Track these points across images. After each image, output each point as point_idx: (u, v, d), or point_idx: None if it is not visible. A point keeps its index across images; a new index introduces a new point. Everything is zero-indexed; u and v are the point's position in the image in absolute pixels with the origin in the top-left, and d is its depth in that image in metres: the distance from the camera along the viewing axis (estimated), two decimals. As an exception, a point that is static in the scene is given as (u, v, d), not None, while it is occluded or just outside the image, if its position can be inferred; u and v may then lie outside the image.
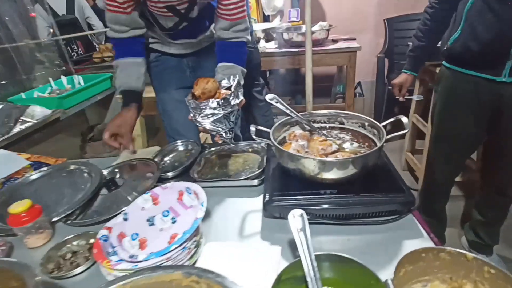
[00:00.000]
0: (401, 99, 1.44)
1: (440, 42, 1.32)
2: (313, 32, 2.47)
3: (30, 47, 2.02)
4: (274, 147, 0.70)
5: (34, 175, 0.87)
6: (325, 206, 0.64)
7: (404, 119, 0.68)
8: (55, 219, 0.71)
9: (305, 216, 0.50)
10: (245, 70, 1.03)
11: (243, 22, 1.00)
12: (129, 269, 0.49)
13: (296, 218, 0.50)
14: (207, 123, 0.79)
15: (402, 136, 1.32)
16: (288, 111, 0.83)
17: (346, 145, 0.75)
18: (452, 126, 1.20)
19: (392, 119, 0.72)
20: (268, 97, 0.85)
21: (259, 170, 0.83)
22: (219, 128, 0.81)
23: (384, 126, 0.70)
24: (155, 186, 0.71)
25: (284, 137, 0.81)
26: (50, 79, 1.82)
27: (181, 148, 1.03)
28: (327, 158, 0.67)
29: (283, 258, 0.58)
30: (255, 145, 0.97)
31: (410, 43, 1.32)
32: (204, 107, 0.77)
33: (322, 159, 0.63)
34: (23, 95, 1.59)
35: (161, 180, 0.84)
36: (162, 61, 1.20)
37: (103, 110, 2.21)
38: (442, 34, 1.23)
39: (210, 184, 0.82)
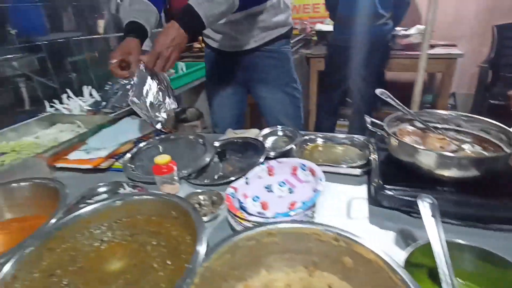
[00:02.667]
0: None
1: None
2: (408, 36, 2.37)
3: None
4: (390, 138, 0.71)
5: (160, 139, 1.02)
6: (441, 202, 0.63)
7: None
8: (180, 176, 0.83)
9: (436, 204, 0.51)
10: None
11: None
12: (260, 222, 0.56)
13: (425, 204, 0.51)
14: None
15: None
16: (400, 107, 0.83)
17: (467, 147, 0.73)
18: None
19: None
20: (379, 91, 0.87)
21: (362, 162, 0.85)
22: None
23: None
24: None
25: (394, 131, 0.82)
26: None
27: (280, 133, 1.10)
28: (453, 154, 0.66)
29: (395, 244, 0.59)
30: (355, 139, 0.99)
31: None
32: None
33: (448, 154, 0.63)
34: (139, 74, 1.84)
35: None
36: (217, 59, 1.29)
37: (194, 95, 2.43)
38: None
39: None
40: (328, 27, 2.71)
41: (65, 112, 1.34)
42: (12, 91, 2.51)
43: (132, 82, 0.91)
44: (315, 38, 2.91)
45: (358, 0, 1.90)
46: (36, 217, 0.59)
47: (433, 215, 0.50)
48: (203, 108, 2.43)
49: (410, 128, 0.80)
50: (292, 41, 2.41)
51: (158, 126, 0.93)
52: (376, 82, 2.20)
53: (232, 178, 0.81)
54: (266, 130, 1.09)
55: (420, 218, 0.50)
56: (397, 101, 0.84)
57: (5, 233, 0.59)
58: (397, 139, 0.69)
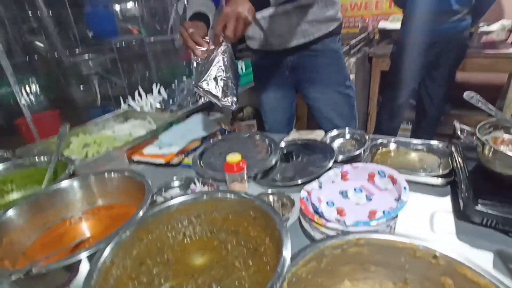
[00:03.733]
0: None
1: None
2: (489, 32, 2.13)
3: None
4: (484, 146, 0.64)
5: (227, 137, 1.04)
6: (550, 224, 0.55)
7: None
8: (250, 175, 0.84)
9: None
10: None
11: None
12: (340, 229, 0.53)
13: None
14: None
15: None
16: (493, 113, 0.74)
17: None
18: None
19: None
20: (467, 94, 0.78)
21: (444, 171, 0.78)
22: None
23: None
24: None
25: (487, 139, 0.73)
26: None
27: (347, 136, 1.05)
28: None
29: (495, 268, 0.53)
30: (433, 145, 0.91)
31: None
32: None
33: None
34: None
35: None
36: (263, 61, 1.25)
37: (252, 95, 2.46)
38: None
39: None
40: (392, 24, 2.55)
41: (138, 108, 1.44)
42: (91, 88, 2.78)
43: (198, 63, 0.90)
44: (377, 36, 2.77)
45: (429, -4, 1.76)
46: (123, 206, 0.64)
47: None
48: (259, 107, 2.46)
49: (506, 136, 0.71)
50: (353, 41, 2.32)
51: (234, 107, 0.91)
52: (448, 84, 2.02)
53: (299, 181, 0.80)
54: (333, 132, 1.05)
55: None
56: (490, 105, 0.75)
57: (96, 219, 0.64)
58: (493, 148, 0.62)
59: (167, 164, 0.95)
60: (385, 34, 2.63)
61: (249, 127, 2.30)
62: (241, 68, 2.11)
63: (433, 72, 1.98)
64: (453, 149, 0.83)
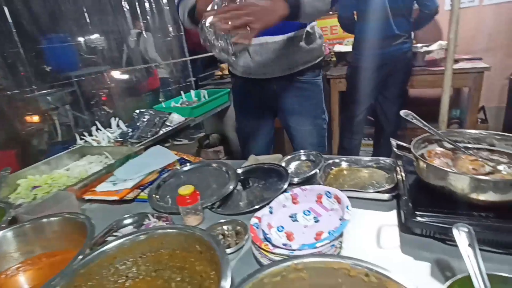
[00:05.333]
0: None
1: None
2: (430, 52, 2.33)
3: (167, 65, 2.44)
4: (419, 161, 0.68)
5: (184, 168, 1.03)
6: (479, 229, 0.59)
7: None
8: (204, 205, 0.83)
9: (473, 232, 0.47)
10: None
11: None
12: (285, 254, 0.54)
13: (461, 234, 0.48)
14: None
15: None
16: (426, 128, 0.80)
17: (502, 168, 0.68)
18: None
19: None
20: (403, 113, 0.84)
21: (389, 186, 0.82)
22: None
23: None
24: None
25: (422, 154, 0.78)
26: (182, 92, 2.15)
27: (303, 157, 1.08)
28: (492, 177, 0.62)
29: (432, 277, 0.55)
30: (380, 161, 0.96)
31: None
32: None
33: (482, 177, 0.59)
34: (163, 104, 1.92)
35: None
36: (245, 87, 1.27)
37: (218, 121, 2.48)
38: None
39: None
40: (347, 48, 2.72)
41: (94, 144, 1.41)
42: (47, 124, 2.68)
43: None
44: (334, 59, 2.93)
45: (373, 25, 1.91)
46: (66, 252, 0.61)
47: (470, 245, 0.46)
48: (227, 133, 2.48)
49: (439, 149, 0.76)
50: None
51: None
52: (399, 100, 2.15)
53: (257, 207, 0.80)
54: (288, 156, 1.08)
55: (457, 246, 0.47)
56: (423, 121, 0.81)
57: (35, 269, 0.60)
58: (426, 163, 0.66)
59: (122, 201, 0.92)
60: (341, 56, 2.79)
61: (216, 153, 2.30)
62: (204, 96, 2.14)
63: (384, 91, 2.11)
64: (397, 164, 0.88)
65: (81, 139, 1.45)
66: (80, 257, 0.50)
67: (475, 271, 0.44)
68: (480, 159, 0.72)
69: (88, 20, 2.45)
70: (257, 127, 1.40)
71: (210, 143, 2.37)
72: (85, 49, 2.96)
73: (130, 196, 0.92)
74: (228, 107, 2.24)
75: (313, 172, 0.94)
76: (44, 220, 0.62)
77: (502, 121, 2.56)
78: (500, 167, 0.69)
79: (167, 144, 1.88)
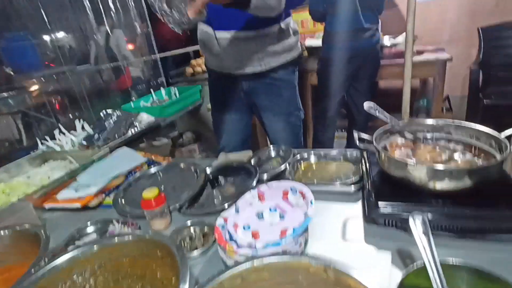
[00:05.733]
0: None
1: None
2: (395, 45, 2.39)
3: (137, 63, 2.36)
4: (380, 153, 0.70)
5: (152, 170, 1.00)
6: (437, 216, 0.61)
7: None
8: (172, 207, 0.81)
9: (427, 221, 0.49)
10: None
11: None
12: (250, 254, 0.53)
13: (417, 222, 0.49)
14: None
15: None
16: (388, 120, 0.82)
17: (457, 156, 0.71)
18: None
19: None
20: (366, 105, 0.86)
21: (355, 177, 0.83)
22: None
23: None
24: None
25: (385, 145, 0.80)
26: (152, 90, 2.09)
27: (273, 153, 1.08)
28: (446, 166, 0.64)
29: (393, 265, 0.57)
30: (348, 154, 0.97)
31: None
32: None
33: (437, 167, 0.61)
34: (132, 104, 1.85)
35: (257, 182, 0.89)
36: (219, 82, 1.27)
37: (191, 119, 2.44)
38: None
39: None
40: (318, 41, 2.74)
41: (57, 148, 1.34)
42: (7, 129, 2.53)
43: None
44: (305, 53, 2.95)
45: (343, 18, 1.93)
46: (21, 265, 0.57)
47: (424, 233, 0.48)
48: (201, 131, 2.44)
49: (400, 140, 0.78)
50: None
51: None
52: (369, 92, 2.20)
53: (226, 206, 0.80)
54: (258, 152, 1.07)
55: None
56: (385, 113, 0.83)
57: (-12, 286, 0.57)
58: (387, 155, 0.68)
59: (85, 208, 0.88)
60: (312, 50, 2.82)
61: (191, 152, 2.26)
62: (175, 94, 2.09)
63: (355, 83, 2.15)
64: (362, 156, 0.90)
65: (42, 143, 1.38)
66: (32, 271, 0.47)
67: (429, 258, 0.45)
68: (438, 148, 0.75)
69: (45, 18, 2.31)
70: (232, 123, 1.38)
71: (184, 142, 2.33)
72: (50, 48, 2.79)
73: (94, 202, 0.88)
74: (201, 105, 2.20)
75: (282, 167, 0.95)
76: (-7, 234, 0.58)
77: (465, 109, 2.69)
78: (455, 155, 0.72)
79: (142, 145, 1.83)
